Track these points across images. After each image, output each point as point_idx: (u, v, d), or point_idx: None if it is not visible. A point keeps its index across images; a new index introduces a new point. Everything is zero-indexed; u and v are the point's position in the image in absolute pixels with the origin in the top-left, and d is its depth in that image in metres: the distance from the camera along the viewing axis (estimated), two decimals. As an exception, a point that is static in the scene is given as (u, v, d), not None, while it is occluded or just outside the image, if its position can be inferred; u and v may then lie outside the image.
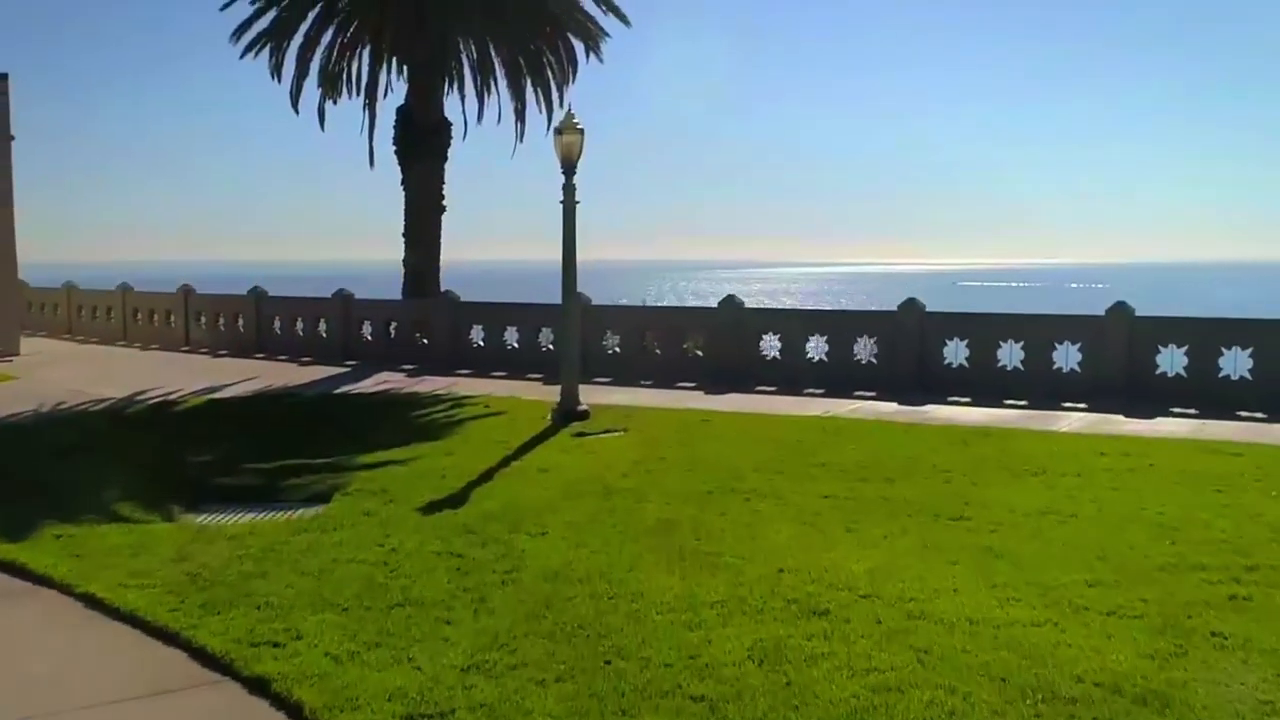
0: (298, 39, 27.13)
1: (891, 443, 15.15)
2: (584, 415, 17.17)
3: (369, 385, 22.61)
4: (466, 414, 18.28)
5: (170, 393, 21.29)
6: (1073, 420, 17.00)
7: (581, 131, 17.40)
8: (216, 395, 21.04)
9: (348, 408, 19.90)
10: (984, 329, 20.12)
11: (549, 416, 17.30)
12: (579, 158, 17.43)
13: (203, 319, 31.13)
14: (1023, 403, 18.79)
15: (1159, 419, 17.22)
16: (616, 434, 16.10)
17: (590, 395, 19.23)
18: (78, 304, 35.47)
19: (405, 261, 28.08)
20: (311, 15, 26.85)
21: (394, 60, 27.43)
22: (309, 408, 19.75)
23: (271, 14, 26.79)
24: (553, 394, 18.11)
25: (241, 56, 26.97)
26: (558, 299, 18.50)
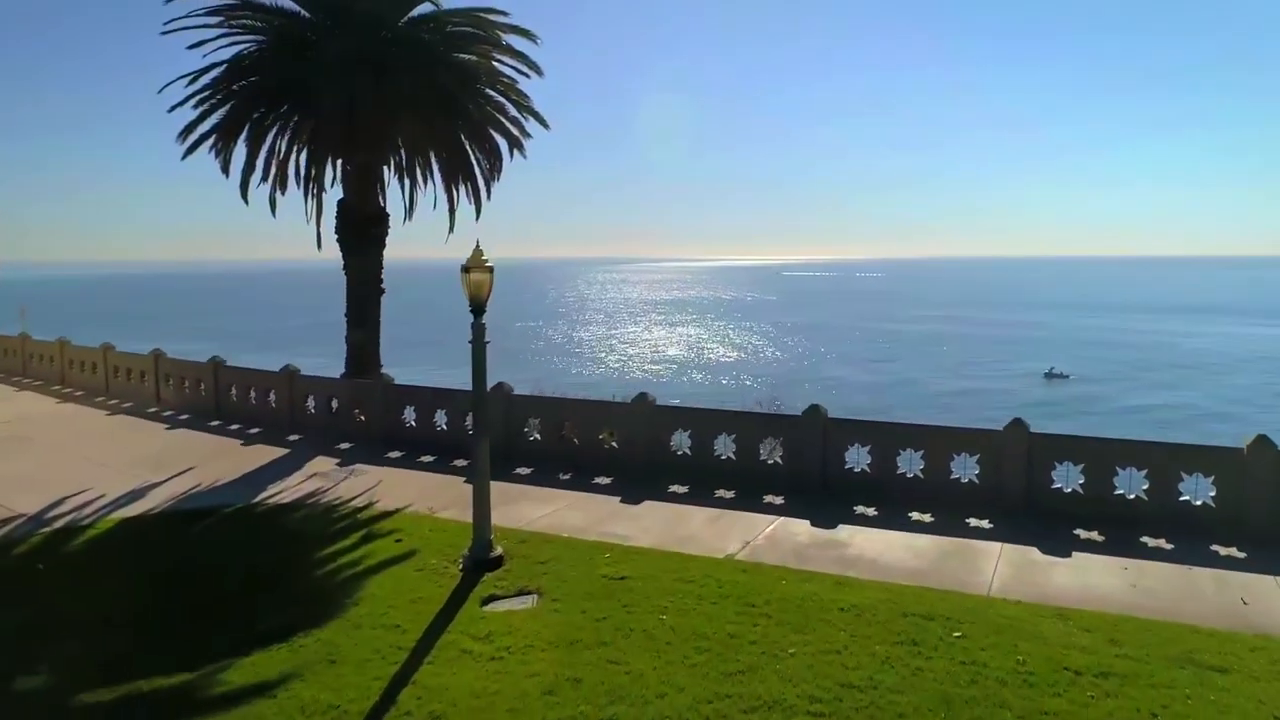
0: (243, 138, 20.56)
1: (828, 635, 9.35)
2: (497, 562, 11.40)
3: (296, 483, 16.23)
4: (374, 557, 12.15)
5: (89, 502, 14.83)
6: (995, 564, 11.49)
7: (491, 269, 11.57)
8: (131, 511, 14.46)
9: (255, 538, 13.51)
10: (885, 437, 14.57)
11: (460, 563, 11.55)
12: (489, 296, 11.63)
13: (170, 381, 24.48)
14: (928, 517, 13.47)
15: (1076, 554, 12.06)
16: (527, 603, 10.39)
17: (507, 505, 13.96)
18: (69, 358, 28.49)
19: (348, 339, 21.84)
20: (255, 118, 20.28)
21: (334, 160, 21.07)
22: (211, 544, 13.20)
23: (216, 118, 20.11)
24: (470, 508, 12.10)
25: (184, 157, 20.28)
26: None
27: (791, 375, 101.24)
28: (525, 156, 22.21)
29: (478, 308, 11.53)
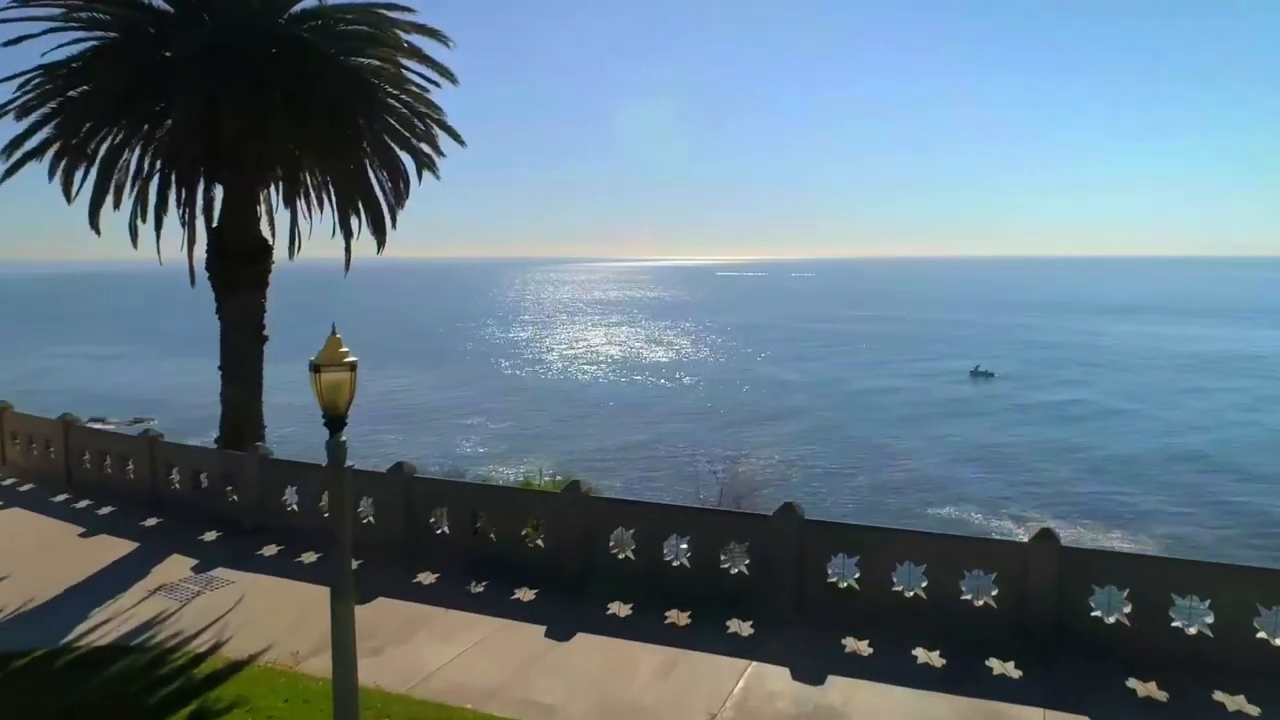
0: (94, 155, 16.46)
1: None
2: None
3: (131, 604, 12.28)
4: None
5: None
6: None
7: (353, 365, 8.12)
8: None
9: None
10: (879, 544, 11.60)
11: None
12: (351, 401, 8.16)
13: (17, 440, 20.14)
14: (938, 658, 10.43)
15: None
16: None
17: (399, 644, 10.78)
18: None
19: (223, 397, 18.00)
20: (93, 129, 16.22)
21: (207, 181, 17.13)
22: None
23: (46, 131, 16.02)
24: (363, 643, 8.65)
25: (7, 175, 16.13)
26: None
27: (723, 375, 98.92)
28: (438, 177, 18.66)
29: (334, 420, 8.05)
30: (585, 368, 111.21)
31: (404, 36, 16.82)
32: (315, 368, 7.90)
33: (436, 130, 18.01)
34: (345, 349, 8.00)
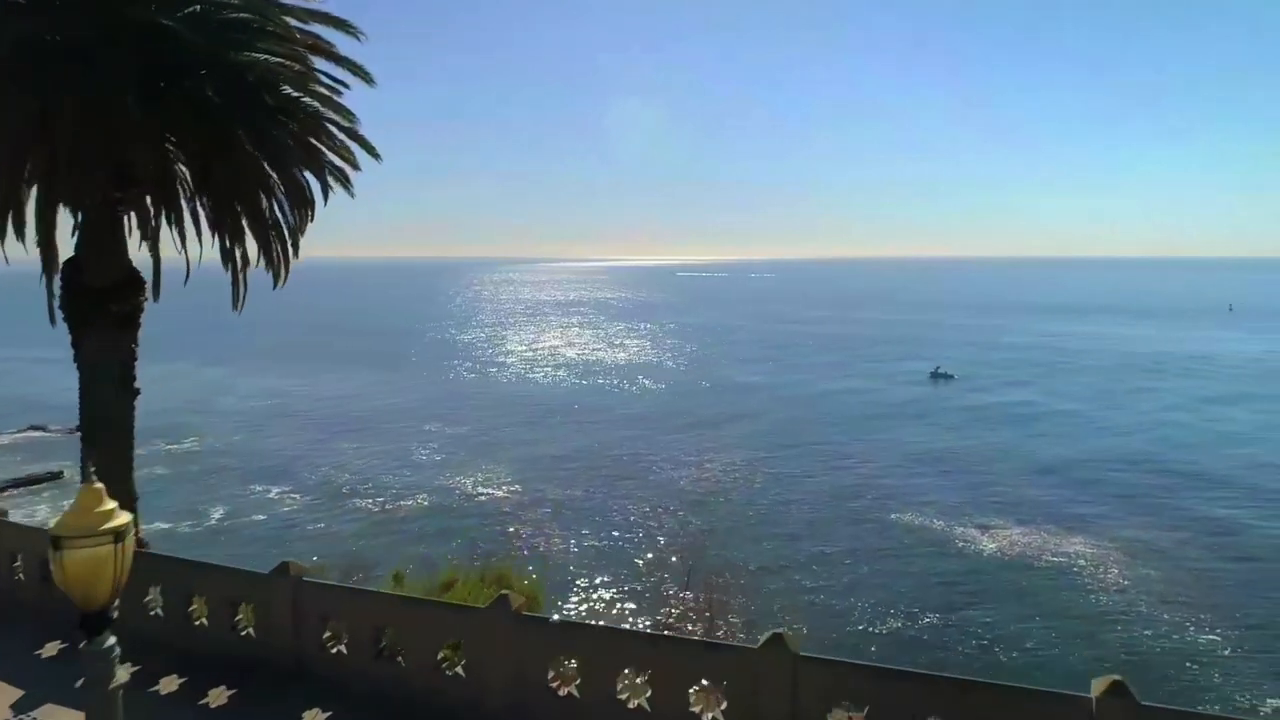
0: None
1: None
2: None
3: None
4: None
5: None
6: None
7: (120, 534, 5.25)
8: None
9: None
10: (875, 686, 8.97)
11: None
12: (119, 587, 5.30)
13: None
14: None
15: None
16: None
17: None
18: None
19: (82, 468, 14.75)
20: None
21: (49, 200, 13.87)
22: None
23: None
24: None
25: None
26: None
27: (682, 378, 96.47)
28: (352, 195, 15.62)
29: (92, 619, 5.16)
30: (544, 370, 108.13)
31: (298, 27, 13.68)
32: (56, 543, 4.97)
33: (347, 140, 14.95)
34: (109, 505, 5.08)
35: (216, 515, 48.21)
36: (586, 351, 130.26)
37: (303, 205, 14.72)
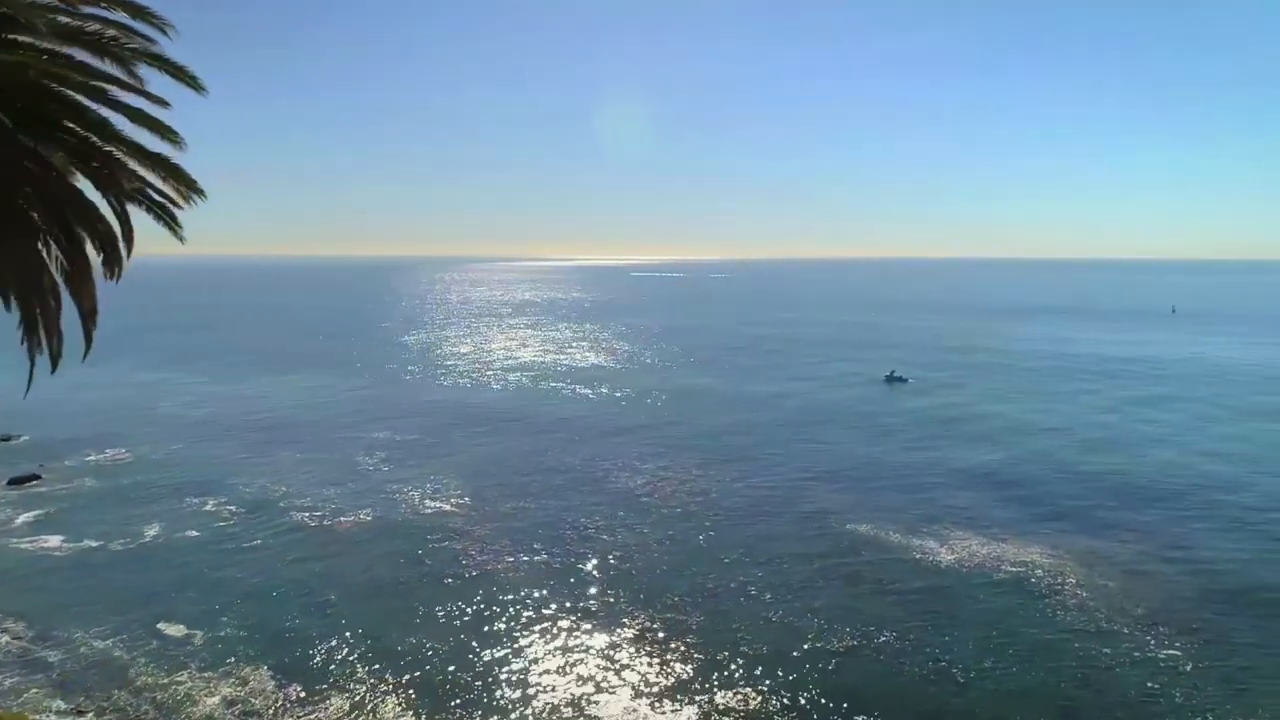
0: None
1: None
2: None
3: None
4: None
5: None
6: None
7: None
8: None
9: None
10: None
11: None
12: None
13: None
14: None
15: None
16: None
17: None
18: None
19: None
20: None
21: None
22: None
23: None
24: None
25: None
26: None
27: (640, 381, 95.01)
28: (176, 229, 13.59)
29: None
30: (494, 374, 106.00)
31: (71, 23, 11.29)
32: None
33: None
34: None
35: (151, 533, 45.59)
36: (538, 354, 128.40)
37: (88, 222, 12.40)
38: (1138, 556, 41.44)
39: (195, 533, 45.75)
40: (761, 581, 38.69)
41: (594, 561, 41.40)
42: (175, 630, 34.32)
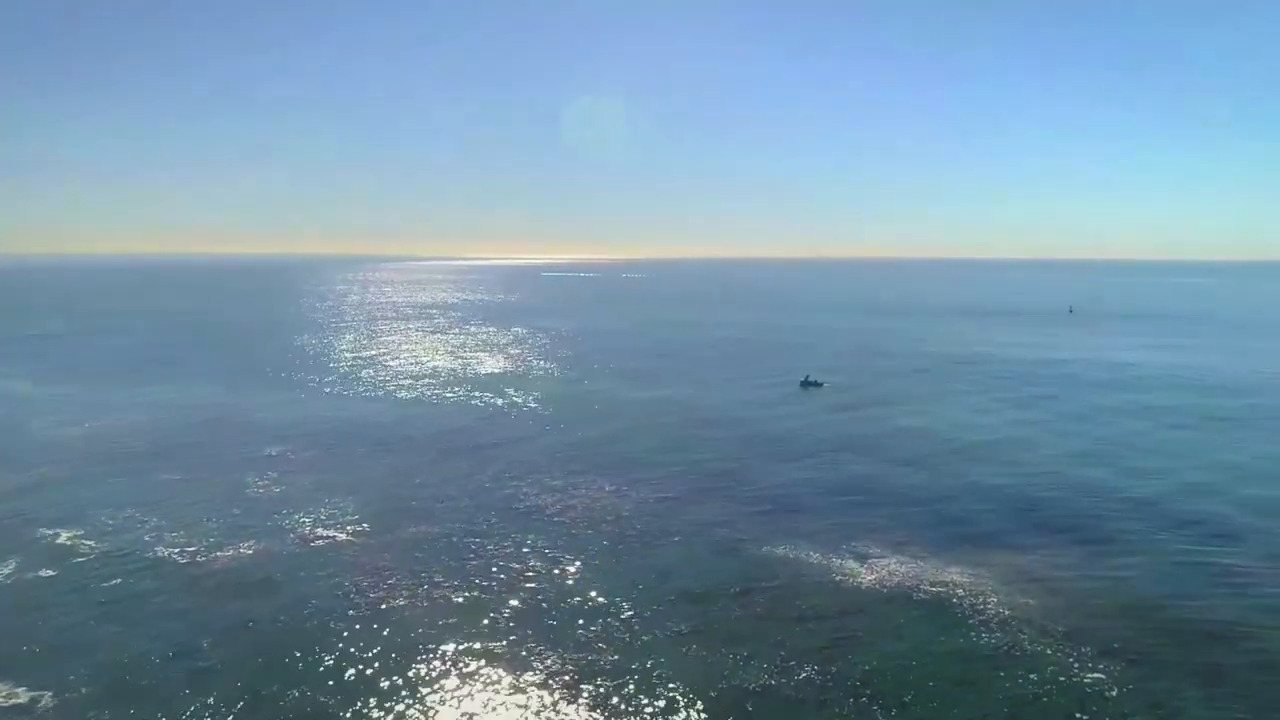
0: None
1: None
2: None
3: None
4: None
5: None
6: None
7: None
8: None
9: None
10: None
11: None
12: None
13: None
14: None
15: None
16: None
17: None
18: None
19: None
20: None
21: None
22: None
23: None
24: None
25: None
26: None
27: (551, 391, 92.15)
28: None
29: None
30: (399, 384, 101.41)
31: None
32: None
33: None
34: None
35: (3, 572, 40.69)
36: (444, 359, 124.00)
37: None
38: (1053, 571, 41.05)
39: (48, 572, 40.98)
40: (678, 613, 36.60)
41: (501, 594, 38.58)
42: (17, 693, 30.10)
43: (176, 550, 43.79)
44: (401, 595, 38.31)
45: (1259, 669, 31.82)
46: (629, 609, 36.88)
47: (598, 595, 38.30)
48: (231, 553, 43.40)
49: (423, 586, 39.22)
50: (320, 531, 46.79)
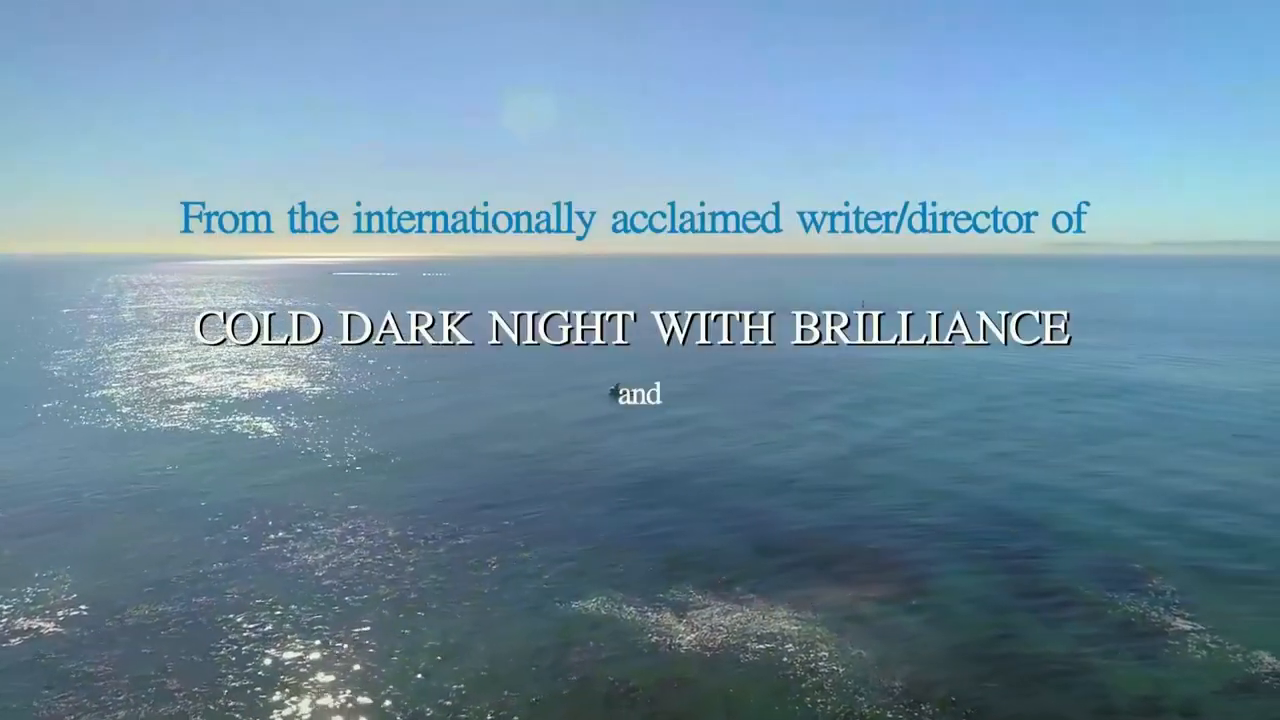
0: None
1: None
2: None
3: None
4: None
5: None
6: None
7: None
8: None
9: None
10: None
11: None
12: None
13: None
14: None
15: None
16: None
17: None
18: None
19: None
20: None
21: None
22: None
23: None
24: None
25: None
26: None
27: (349, 406, 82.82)
28: None
29: None
30: (157, 408, 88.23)
31: None
32: None
33: None
34: None
35: None
36: (215, 377, 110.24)
37: None
38: (881, 610, 38.52)
39: None
40: (467, 706, 30.57)
41: (244, 697, 30.89)
42: None
43: None
44: (117, 713, 29.76)
45: (1099, 714, 30.22)
46: (407, 705, 30.44)
47: (372, 683, 31.52)
48: None
49: (145, 694, 30.79)
50: (21, 623, 36.78)
